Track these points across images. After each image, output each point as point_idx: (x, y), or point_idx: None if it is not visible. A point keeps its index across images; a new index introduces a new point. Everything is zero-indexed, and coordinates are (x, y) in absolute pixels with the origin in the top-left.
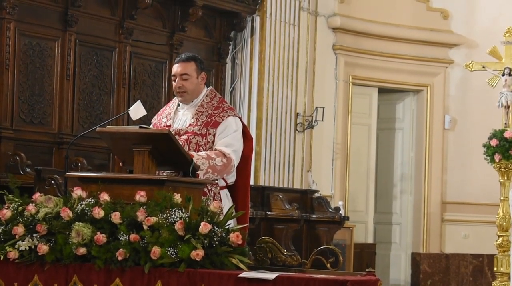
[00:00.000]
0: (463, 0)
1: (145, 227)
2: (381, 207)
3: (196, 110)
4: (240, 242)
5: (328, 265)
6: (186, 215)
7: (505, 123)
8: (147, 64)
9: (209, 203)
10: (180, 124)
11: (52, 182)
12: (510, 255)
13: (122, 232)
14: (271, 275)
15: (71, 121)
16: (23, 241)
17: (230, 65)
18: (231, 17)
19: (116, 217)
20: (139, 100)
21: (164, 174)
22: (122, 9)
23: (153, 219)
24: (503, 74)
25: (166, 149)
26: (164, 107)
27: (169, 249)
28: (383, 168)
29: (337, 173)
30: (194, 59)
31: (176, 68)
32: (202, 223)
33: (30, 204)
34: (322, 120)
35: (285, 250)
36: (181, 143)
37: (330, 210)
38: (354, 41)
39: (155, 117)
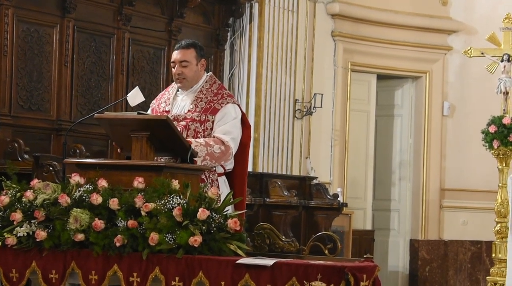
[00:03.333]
0: None
1: (143, 213)
2: (379, 194)
3: (195, 96)
4: (238, 228)
5: (326, 252)
6: (184, 201)
7: (504, 110)
8: (146, 50)
9: (206, 190)
10: (179, 110)
11: (50, 168)
12: (508, 241)
13: (120, 218)
14: (269, 261)
15: (70, 107)
16: (21, 227)
17: (228, 52)
18: (229, 4)
19: (114, 203)
20: (137, 87)
21: (162, 160)
22: None
23: (151, 205)
24: (502, 61)
25: (164, 135)
26: (163, 92)
27: (167, 235)
28: (382, 154)
29: (335, 160)
30: (194, 46)
31: (175, 55)
32: (200, 209)
33: (28, 190)
34: (321, 107)
35: (283, 237)
36: (179, 129)
37: (328, 196)
38: (353, 27)
39: (154, 101)
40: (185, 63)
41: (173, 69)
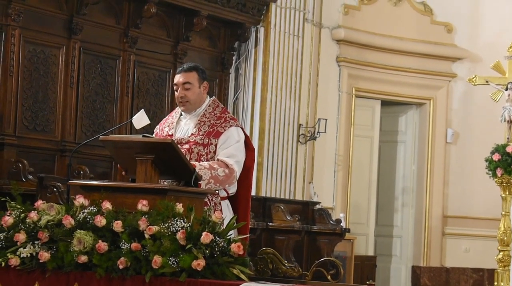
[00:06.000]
0: (467, 14)
1: (146, 236)
2: (382, 220)
3: (199, 120)
4: (241, 253)
5: (329, 277)
6: (188, 225)
7: (508, 138)
8: (151, 73)
9: (210, 213)
10: (182, 134)
11: (55, 189)
12: (510, 270)
13: (123, 240)
14: None
15: (74, 129)
16: (24, 248)
17: (233, 76)
18: (235, 28)
19: (118, 225)
20: (142, 109)
21: (166, 183)
22: (127, 18)
23: (154, 228)
24: (506, 89)
25: (169, 158)
26: (167, 117)
27: (170, 258)
28: (385, 180)
29: (338, 185)
30: (195, 69)
31: (178, 78)
32: (203, 233)
33: (32, 211)
34: (325, 132)
35: (286, 261)
36: (183, 152)
37: (331, 221)
38: (357, 53)
39: (158, 126)
40: (187, 86)
41: (176, 92)
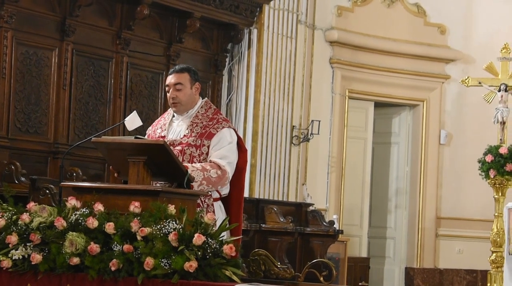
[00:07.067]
0: (460, 15)
1: (139, 237)
2: (375, 221)
3: (191, 121)
4: (233, 254)
5: (322, 279)
6: (180, 226)
7: (501, 139)
8: (144, 75)
9: (202, 215)
10: (174, 135)
11: (47, 191)
12: (503, 271)
13: (115, 242)
14: None
15: (67, 131)
16: (16, 250)
17: (226, 77)
18: (228, 29)
19: (110, 227)
20: (135, 111)
21: (158, 184)
22: (120, 20)
23: (147, 230)
24: (499, 90)
25: (161, 160)
26: (159, 118)
27: (163, 260)
28: (378, 182)
29: (332, 187)
30: (187, 70)
31: (170, 79)
32: (196, 235)
33: (24, 213)
34: (318, 134)
35: (279, 263)
36: (175, 154)
37: (324, 223)
38: (351, 55)
39: (150, 128)
40: (179, 87)
41: (167, 93)
